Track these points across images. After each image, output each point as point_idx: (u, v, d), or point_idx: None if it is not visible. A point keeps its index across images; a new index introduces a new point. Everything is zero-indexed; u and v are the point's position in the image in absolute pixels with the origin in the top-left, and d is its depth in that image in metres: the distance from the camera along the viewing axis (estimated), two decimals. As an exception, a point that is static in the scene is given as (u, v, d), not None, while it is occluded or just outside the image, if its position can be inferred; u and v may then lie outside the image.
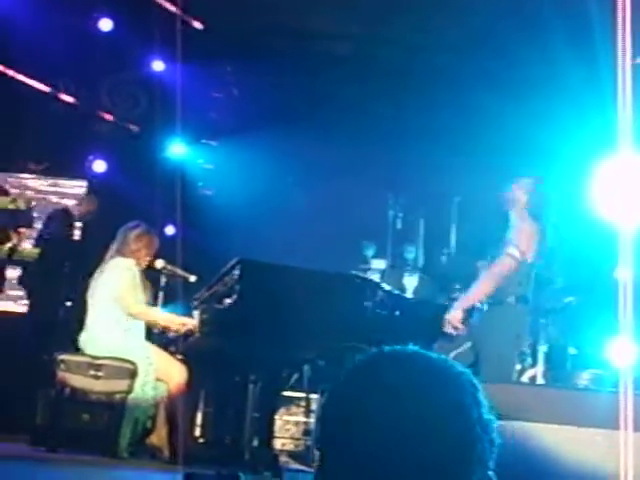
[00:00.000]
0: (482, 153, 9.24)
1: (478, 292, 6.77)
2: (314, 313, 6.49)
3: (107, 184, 9.81)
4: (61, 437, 6.94)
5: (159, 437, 6.99)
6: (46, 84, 9.72)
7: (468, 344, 6.83)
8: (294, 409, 8.49)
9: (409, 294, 7.79)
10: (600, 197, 8.02)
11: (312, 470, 7.56)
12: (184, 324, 7.08)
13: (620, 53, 4.26)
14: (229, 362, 6.97)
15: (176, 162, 9.66)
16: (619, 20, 4.23)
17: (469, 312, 6.83)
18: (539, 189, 7.00)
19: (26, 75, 9.56)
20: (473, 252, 9.17)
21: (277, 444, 8.07)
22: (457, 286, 7.89)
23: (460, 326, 6.70)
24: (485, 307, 6.87)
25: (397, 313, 6.70)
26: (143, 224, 7.40)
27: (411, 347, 1.62)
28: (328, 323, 6.52)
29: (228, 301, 6.41)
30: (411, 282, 7.86)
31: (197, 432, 8.10)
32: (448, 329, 6.69)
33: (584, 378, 7.48)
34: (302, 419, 8.45)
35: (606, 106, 4.51)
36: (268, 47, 9.77)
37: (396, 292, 7.08)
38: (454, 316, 6.68)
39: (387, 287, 6.92)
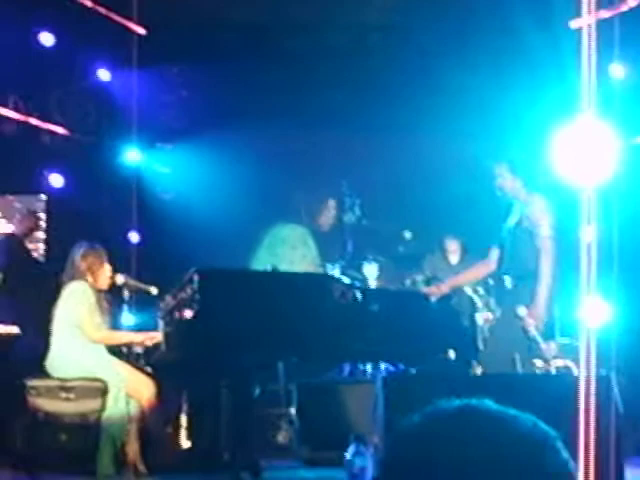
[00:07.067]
0: (445, 123, 9.24)
1: (547, 277, 6.54)
2: (278, 314, 6.50)
3: (65, 198, 9.77)
4: (42, 461, 6.97)
5: (133, 452, 7.00)
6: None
7: None
8: (275, 401, 8.46)
9: (372, 282, 7.75)
10: (561, 160, 8.02)
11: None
12: (149, 339, 7.13)
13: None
14: (197, 371, 7.00)
15: (132, 168, 9.60)
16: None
17: None
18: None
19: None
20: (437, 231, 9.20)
21: (262, 438, 8.07)
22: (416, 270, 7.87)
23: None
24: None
25: (359, 301, 6.66)
26: (84, 242, 7.39)
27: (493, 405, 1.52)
28: (294, 322, 6.52)
29: (190, 312, 6.41)
30: (371, 270, 7.78)
31: (184, 435, 8.08)
32: (532, 332, 6.33)
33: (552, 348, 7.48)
34: (283, 410, 8.40)
35: (567, 71, 4.57)
36: (210, 45, 9.68)
37: (357, 284, 7.05)
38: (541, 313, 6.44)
39: (347, 280, 6.93)
